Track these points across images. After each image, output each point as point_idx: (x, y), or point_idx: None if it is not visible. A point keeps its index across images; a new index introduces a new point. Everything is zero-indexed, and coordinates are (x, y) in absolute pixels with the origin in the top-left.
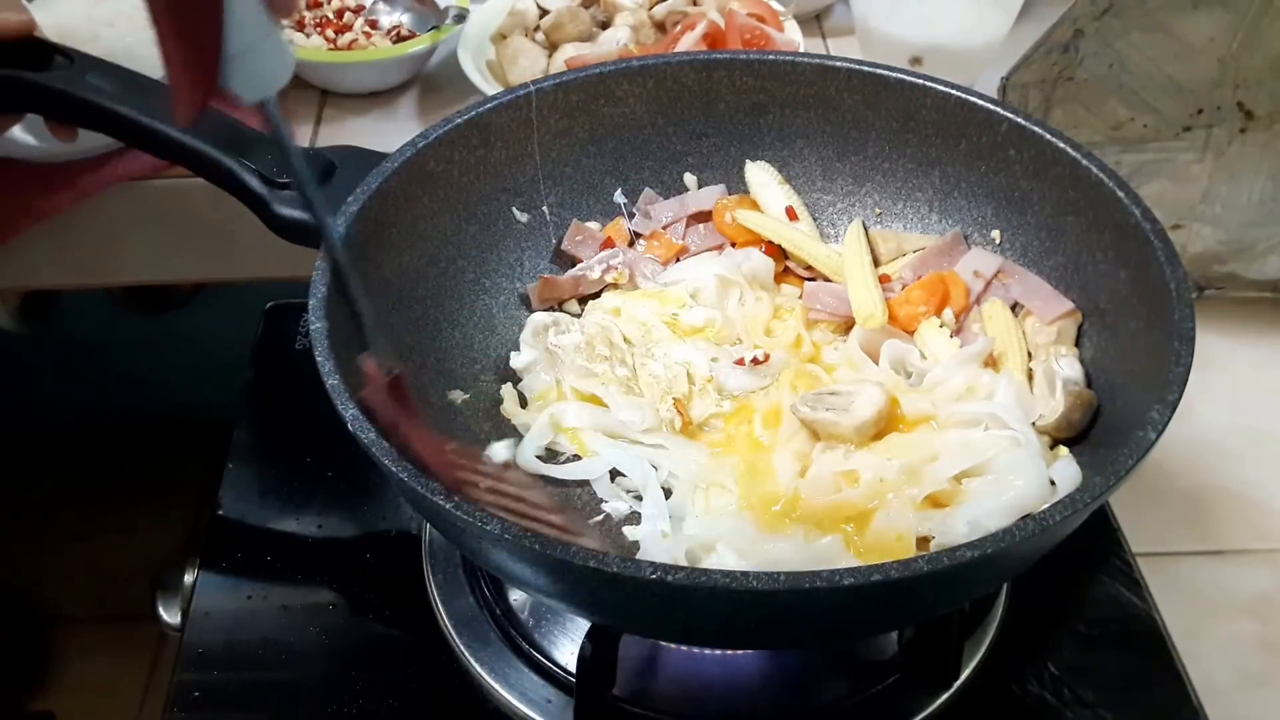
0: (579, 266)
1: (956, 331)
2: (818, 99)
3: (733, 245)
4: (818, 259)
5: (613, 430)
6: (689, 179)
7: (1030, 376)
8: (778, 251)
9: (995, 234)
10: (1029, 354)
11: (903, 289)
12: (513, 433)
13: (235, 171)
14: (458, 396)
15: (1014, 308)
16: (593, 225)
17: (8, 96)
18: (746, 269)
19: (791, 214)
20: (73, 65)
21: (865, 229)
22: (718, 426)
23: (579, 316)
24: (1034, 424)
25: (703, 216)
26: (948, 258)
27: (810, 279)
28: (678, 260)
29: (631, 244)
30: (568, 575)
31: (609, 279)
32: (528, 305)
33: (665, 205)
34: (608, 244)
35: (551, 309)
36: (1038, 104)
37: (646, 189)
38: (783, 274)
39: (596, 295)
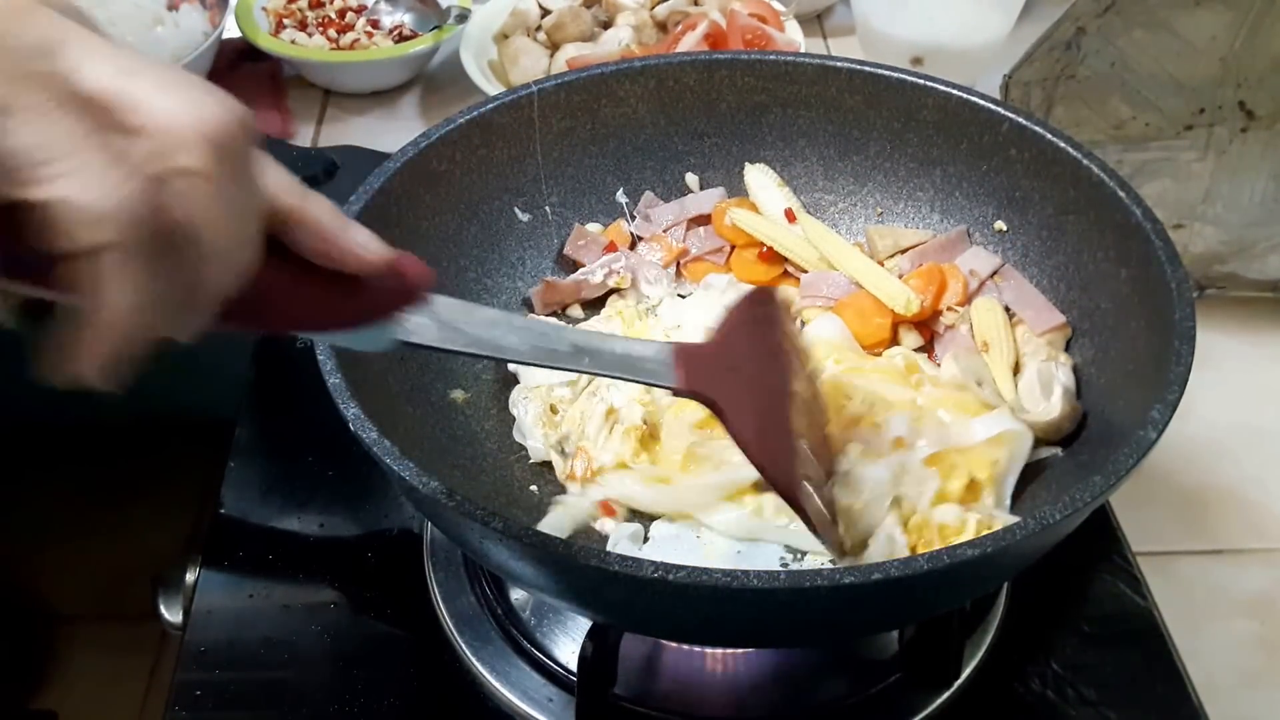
0: (581, 271)
1: (939, 334)
2: (819, 99)
3: (733, 247)
4: (809, 262)
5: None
6: (691, 179)
7: (1016, 370)
8: (775, 254)
9: (1000, 224)
10: (1017, 355)
11: (900, 278)
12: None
13: None
14: (459, 395)
15: (1006, 311)
16: (595, 228)
17: None
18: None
19: (790, 216)
20: None
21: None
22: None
23: (582, 319)
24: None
25: (703, 219)
26: (948, 253)
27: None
28: (678, 264)
29: (633, 246)
30: (568, 574)
31: (611, 283)
32: (530, 308)
33: (665, 208)
34: (610, 248)
35: (555, 313)
36: (1040, 102)
37: (647, 192)
38: (782, 276)
39: (600, 300)
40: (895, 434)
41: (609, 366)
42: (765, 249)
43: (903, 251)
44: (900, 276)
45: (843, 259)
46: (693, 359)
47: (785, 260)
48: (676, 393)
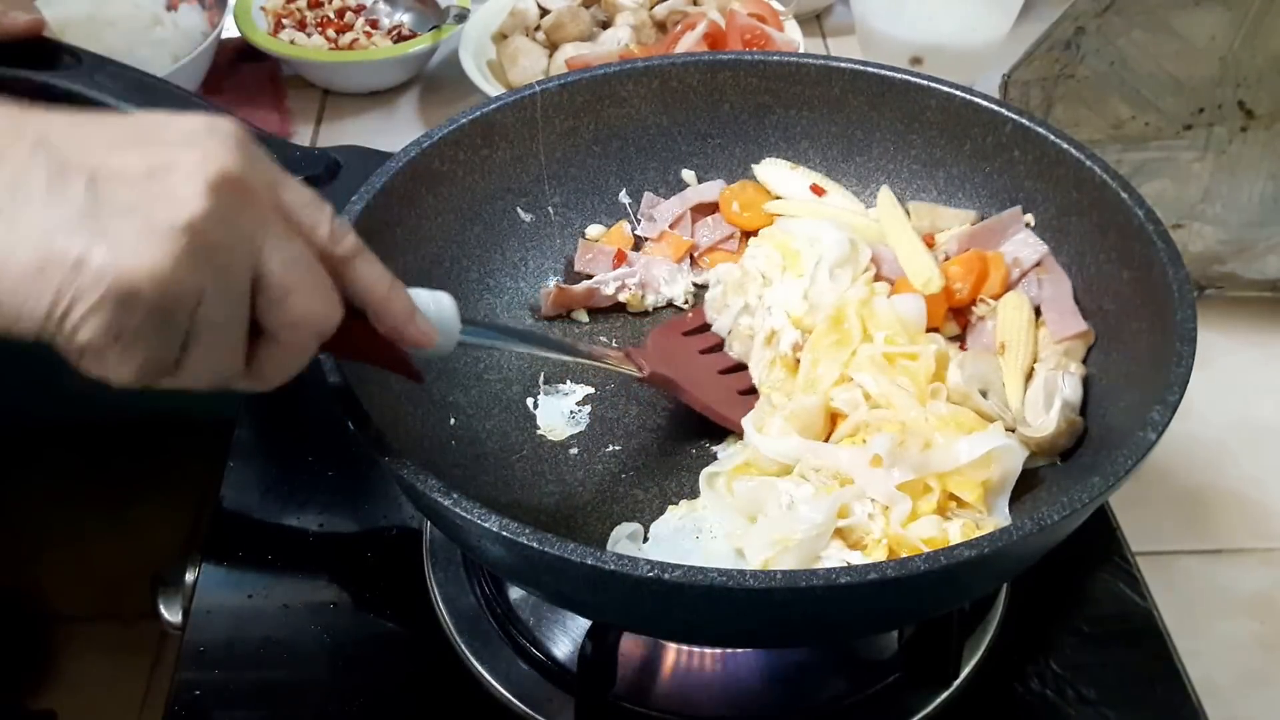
0: (595, 279)
1: (972, 324)
2: (822, 100)
3: (745, 234)
4: (856, 229)
5: None
6: (687, 175)
7: (1030, 376)
8: None
9: (1030, 218)
10: (1035, 356)
11: (945, 259)
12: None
13: None
14: (460, 396)
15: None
16: (596, 230)
17: (17, 96)
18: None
19: (818, 190)
20: (80, 64)
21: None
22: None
23: (587, 324)
24: (1018, 430)
25: (707, 209)
26: (998, 236)
27: None
28: (690, 258)
29: (637, 245)
30: (564, 573)
31: (622, 297)
32: (534, 313)
33: (667, 205)
34: (619, 258)
35: (561, 317)
36: (1039, 102)
37: (647, 193)
38: None
39: (607, 309)
40: (875, 451)
41: (585, 356)
42: None
43: (938, 230)
44: (946, 258)
45: (892, 228)
46: (644, 353)
47: None
48: (642, 381)
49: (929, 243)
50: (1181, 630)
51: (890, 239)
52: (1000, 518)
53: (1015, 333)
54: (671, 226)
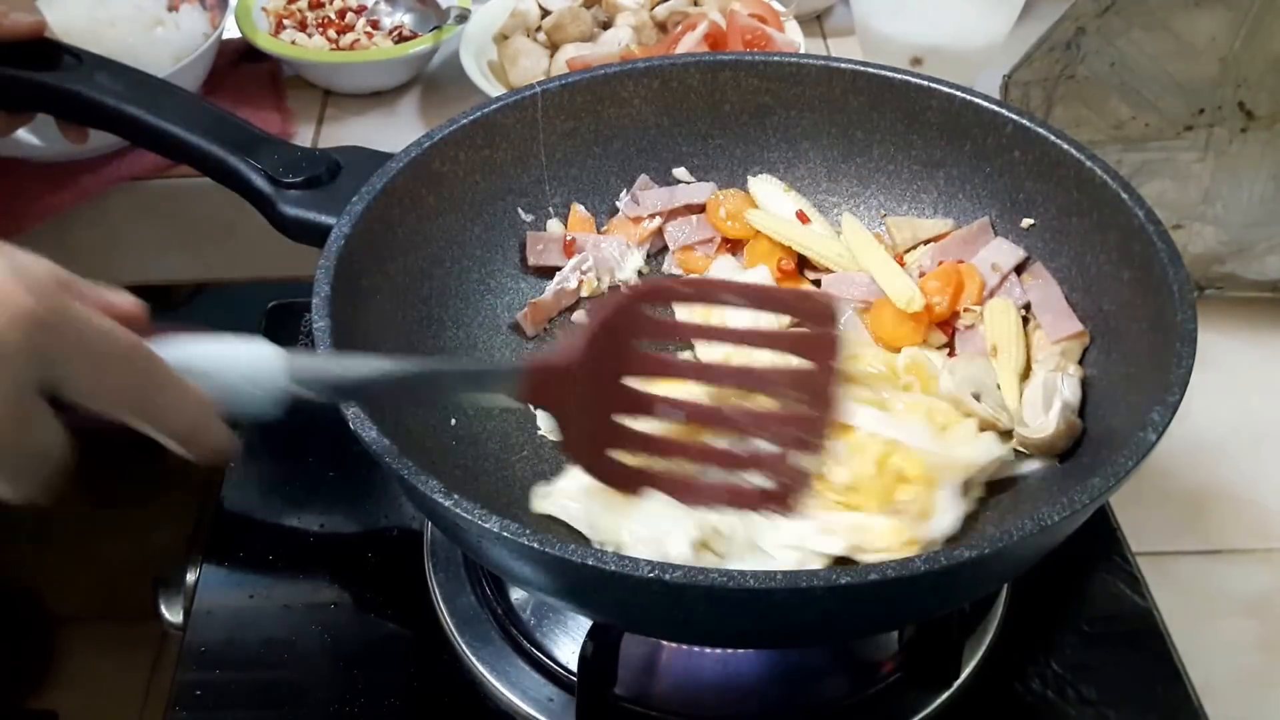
0: (556, 279)
1: (954, 332)
2: (823, 100)
3: (726, 241)
4: (829, 259)
5: None
6: (680, 173)
7: (1025, 376)
8: (790, 253)
9: (1026, 222)
10: (1029, 359)
11: (920, 275)
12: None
13: (241, 171)
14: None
15: (1028, 307)
16: (554, 226)
17: (18, 96)
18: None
19: (803, 217)
20: (82, 65)
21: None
22: None
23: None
24: (1014, 430)
25: (694, 209)
26: (971, 247)
27: (816, 282)
28: (652, 243)
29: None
30: (565, 573)
31: (584, 293)
32: (521, 334)
33: (656, 193)
34: (569, 246)
35: (547, 329)
36: (1039, 102)
37: (642, 175)
38: (790, 275)
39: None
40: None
41: (459, 386)
42: (782, 264)
43: (925, 243)
44: (921, 274)
45: (862, 252)
46: (537, 373)
47: (801, 268)
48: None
49: (899, 262)
50: (1181, 630)
51: (864, 263)
52: (949, 516)
53: (1005, 335)
54: (650, 216)
